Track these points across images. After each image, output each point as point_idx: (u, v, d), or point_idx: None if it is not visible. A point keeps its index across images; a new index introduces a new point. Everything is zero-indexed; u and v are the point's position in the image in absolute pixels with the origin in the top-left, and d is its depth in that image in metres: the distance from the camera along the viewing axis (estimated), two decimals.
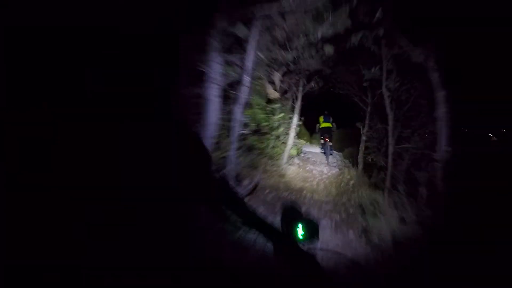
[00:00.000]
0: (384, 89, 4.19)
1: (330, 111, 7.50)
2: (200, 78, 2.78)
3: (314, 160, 7.20)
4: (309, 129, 9.55)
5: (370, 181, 5.51)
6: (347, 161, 7.25)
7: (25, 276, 0.91)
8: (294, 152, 6.36)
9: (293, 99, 6.31)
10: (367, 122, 6.05)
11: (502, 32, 3.67)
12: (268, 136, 4.73)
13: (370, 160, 5.59)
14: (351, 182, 5.67)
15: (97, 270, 1.02)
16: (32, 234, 1.03)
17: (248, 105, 3.41)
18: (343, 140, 8.63)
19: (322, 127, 7.26)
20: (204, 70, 2.80)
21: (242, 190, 3.34)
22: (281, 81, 4.71)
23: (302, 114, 6.67)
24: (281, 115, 5.00)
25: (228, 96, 3.25)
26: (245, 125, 3.60)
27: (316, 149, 8.29)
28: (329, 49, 3.76)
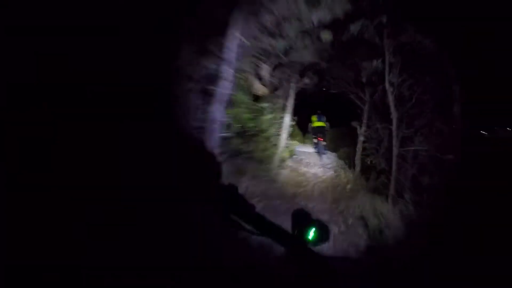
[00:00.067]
0: (387, 84, 3.73)
1: (324, 109, 7.35)
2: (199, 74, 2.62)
3: (307, 162, 6.77)
4: (302, 128, 9.15)
5: (369, 184, 5.17)
6: (342, 162, 6.94)
7: (25, 276, 0.90)
8: (286, 154, 5.98)
9: (285, 97, 5.78)
10: (364, 121, 5.72)
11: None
12: (257, 138, 4.21)
13: (369, 162, 5.16)
14: (348, 186, 5.35)
15: (97, 270, 0.97)
16: (32, 234, 1.02)
17: (230, 103, 2.86)
18: (338, 140, 8.33)
19: (315, 126, 7.15)
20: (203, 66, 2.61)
21: None
22: (271, 76, 4.15)
23: (295, 113, 6.40)
24: (271, 115, 4.46)
25: (206, 93, 2.70)
26: (228, 126, 3.07)
27: (309, 149, 7.95)
28: (326, 36, 3.24)
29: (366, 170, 5.54)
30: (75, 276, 0.92)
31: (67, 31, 1.41)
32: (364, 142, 5.65)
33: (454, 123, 3.02)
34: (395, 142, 3.66)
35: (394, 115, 3.66)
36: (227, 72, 2.81)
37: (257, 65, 3.72)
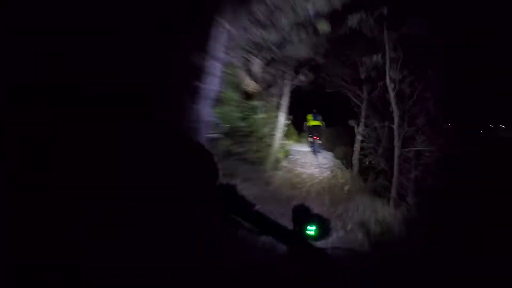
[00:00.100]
0: (388, 80, 3.49)
1: (320, 108, 7.36)
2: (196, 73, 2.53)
3: (303, 162, 6.67)
4: (297, 128, 9.08)
5: (367, 186, 5.05)
6: (339, 161, 6.87)
7: (25, 276, 0.89)
8: (281, 155, 5.77)
9: (280, 95, 5.54)
10: (362, 119, 5.57)
11: None
12: (249, 138, 3.95)
13: (367, 163, 4.97)
14: (346, 187, 5.18)
15: (97, 270, 0.95)
16: (32, 234, 0.98)
17: (218, 101, 2.60)
18: (334, 139, 8.28)
19: (311, 125, 7.18)
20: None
21: None
22: (263, 71, 3.87)
23: (290, 112, 6.26)
24: (264, 114, 4.19)
25: (191, 89, 2.43)
26: (216, 126, 2.81)
27: (305, 148, 7.92)
28: (323, 27, 2.98)
29: (364, 170, 5.43)
30: (75, 276, 0.91)
31: (67, 31, 1.49)
32: (362, 141, 5.49)
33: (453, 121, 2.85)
34: (396, 141, 3.43)
35: (395, 113, 3.43)
36: (214, 66, 2.58)
37: (248, 60, 3.45)
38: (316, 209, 4.04)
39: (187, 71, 2.58)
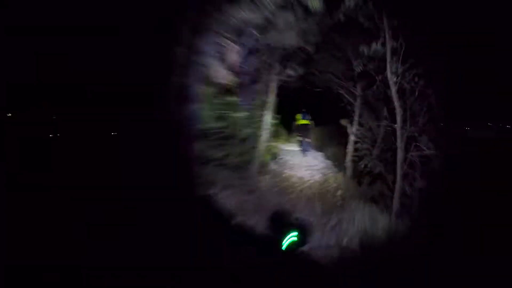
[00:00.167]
0: (389, 74, 3.03)
1: (310, 106, 7.35)
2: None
3: (292, 164, 6.42)
4: (286, 127, 9.08)
5: (362, 191, 4.72)
6: (330, 162, 6.66)
7: (25, 276, 0.93)
8: (268, 157, 5.50)
9: (266, 92, 5.05)
10: (356, 118, 5.20)
11: None
12: (229, 141, 3.45)
13: (362, 166, 4.56)
14: (339, 192, 4.87)
15: (97, 270, 1.03)
16: (32, 234, 1.09)
17: (185, 97, 2.08)
18: (325, 139, 8.23)
19: (300, 125, 7.24)
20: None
21: None
22: (244, 61, 3.31)
23: (278, 111, 6.07)
24: (245, 113, 3.68)
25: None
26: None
27: (294, 148, 7.93)
28: (315, 4, 2.48)
29: (358, 174, 5.10)
30: (75, 276, 0.98)
31: (67, 31, 1.53)
32: (355, 142, 5.15)
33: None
34: (399, 143, 2.99)
35: (398, 111, 2.99)
36: (180, 54, 2.01)
37: (223, 45, 2.88)
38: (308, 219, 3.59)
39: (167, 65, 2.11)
